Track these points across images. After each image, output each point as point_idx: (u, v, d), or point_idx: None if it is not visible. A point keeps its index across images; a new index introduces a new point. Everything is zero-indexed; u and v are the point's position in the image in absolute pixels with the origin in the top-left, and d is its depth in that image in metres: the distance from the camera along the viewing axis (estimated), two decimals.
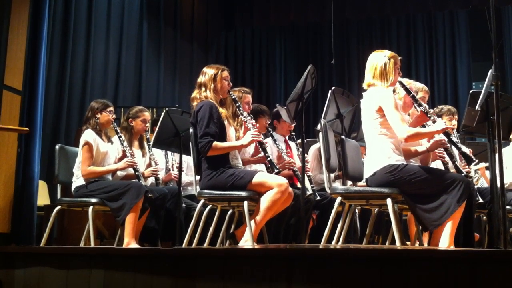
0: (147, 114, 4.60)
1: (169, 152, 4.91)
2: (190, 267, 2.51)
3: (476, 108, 3.23)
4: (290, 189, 3.56)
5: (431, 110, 3.67)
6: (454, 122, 4.53)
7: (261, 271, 2.36)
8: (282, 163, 4.47)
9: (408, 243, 4.36)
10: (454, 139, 3.74)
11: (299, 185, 4.39)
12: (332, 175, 4.31)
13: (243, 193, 3.53)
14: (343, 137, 3.87)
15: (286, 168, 4.47)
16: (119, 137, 4.34)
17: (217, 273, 2.44)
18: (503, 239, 2.63)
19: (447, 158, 3.97)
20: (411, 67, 9.82)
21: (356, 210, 4.34)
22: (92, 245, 4.04)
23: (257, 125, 3.93)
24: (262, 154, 3.87)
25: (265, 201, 3.48)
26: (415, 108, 3.71)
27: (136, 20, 7.80)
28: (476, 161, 3.65)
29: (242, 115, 3.79)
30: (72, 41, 6.52)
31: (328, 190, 3.66)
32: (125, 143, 4.33)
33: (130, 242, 3.96)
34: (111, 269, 2.67)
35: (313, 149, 4.98)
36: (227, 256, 2.51)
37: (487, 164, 4.25)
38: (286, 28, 10.65)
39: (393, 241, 3.93)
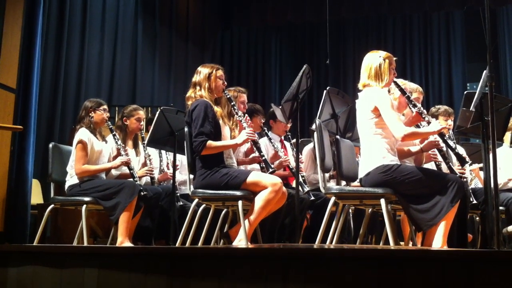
0: (141, 113, 4.59)
1: (163, 151, 4.90)
2: (185, 266, 2.50)
3: (471, 109, 3.24)
4: (284, 188, 3.56)
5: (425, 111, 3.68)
6: (450, 122, 4.55)
7: (256, 271, 2.36)
8: (279, 160, 4.47)
9: (402, 243, 4.37)
10: (451, 142, 3.74)
11: (293, 185, 4.39)
12: (327, 175, 4.31)
13: (238, 193, 3.53)
14: (337, 137, 3.87)
15: (282, 167, 4.46)
16: (113, 135, 4.32)
17: (212, 273, 2.44)
18: (496, 239, 2.64)
19: (440, 159, 3.98)
20: (406, 68, 9.82)
21: (350, 210, 4.34)
22: (86, 244, 4.03)
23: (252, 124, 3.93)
24: (256, 153, 3.86)
25: (259, 200, 3.47)
26: (410, 108, 3.72)
27: (131, 18, 7.77)
28: (469, 162, 3.66)
29: (237, 114, 3.78)
30: (66, 39, 6.48)
31: (322, 190, 3.67)
32: (119, 141, 4.32)
33: (123, 241, 3.95)
34: (105, 268, 2.65)
35: (306, 149, 4.97)
36: (222, 255, 2.51)
37: (481, 165, 4.27)
38: (282, 27, 10.62)
39: (386, 241, 3.94)
